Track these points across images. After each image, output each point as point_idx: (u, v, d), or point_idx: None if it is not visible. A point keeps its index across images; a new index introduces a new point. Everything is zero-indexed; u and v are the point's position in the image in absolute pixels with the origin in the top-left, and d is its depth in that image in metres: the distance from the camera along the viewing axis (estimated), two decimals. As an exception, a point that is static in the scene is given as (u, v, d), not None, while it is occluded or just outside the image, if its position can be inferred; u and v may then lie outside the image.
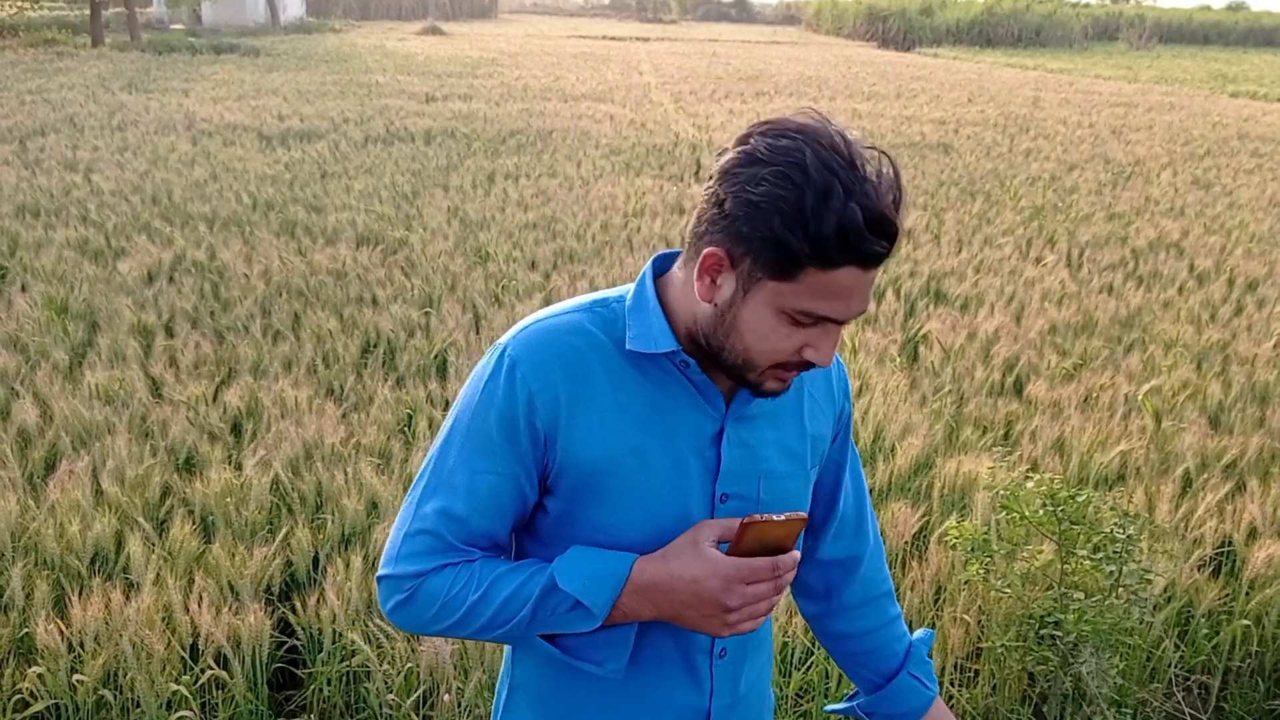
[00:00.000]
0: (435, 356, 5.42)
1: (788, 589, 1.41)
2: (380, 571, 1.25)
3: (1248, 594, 3.73)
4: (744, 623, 1.17)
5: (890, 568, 2.79)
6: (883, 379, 5.19)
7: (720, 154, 1.16)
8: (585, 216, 8.96)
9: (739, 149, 1.13)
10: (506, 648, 1.43)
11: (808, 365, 1.19)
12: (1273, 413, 5.04)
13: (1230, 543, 3.99)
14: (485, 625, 1.21)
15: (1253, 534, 3.96)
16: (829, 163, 1.07)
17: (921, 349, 5.98)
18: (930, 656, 1.57)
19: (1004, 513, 3.48)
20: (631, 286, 1.29)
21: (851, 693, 1.62)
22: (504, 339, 1.26)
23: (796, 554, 1.19)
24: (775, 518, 1.14)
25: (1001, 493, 3.45)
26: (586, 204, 9.50)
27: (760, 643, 1.45)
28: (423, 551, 1.22)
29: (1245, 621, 3.70)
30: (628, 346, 1.22)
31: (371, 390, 4.83)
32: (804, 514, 1.17)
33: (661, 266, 1.30)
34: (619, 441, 1.22)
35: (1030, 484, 3.31)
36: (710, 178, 1.16)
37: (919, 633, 1.58)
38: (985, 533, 3.52)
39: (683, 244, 1.25)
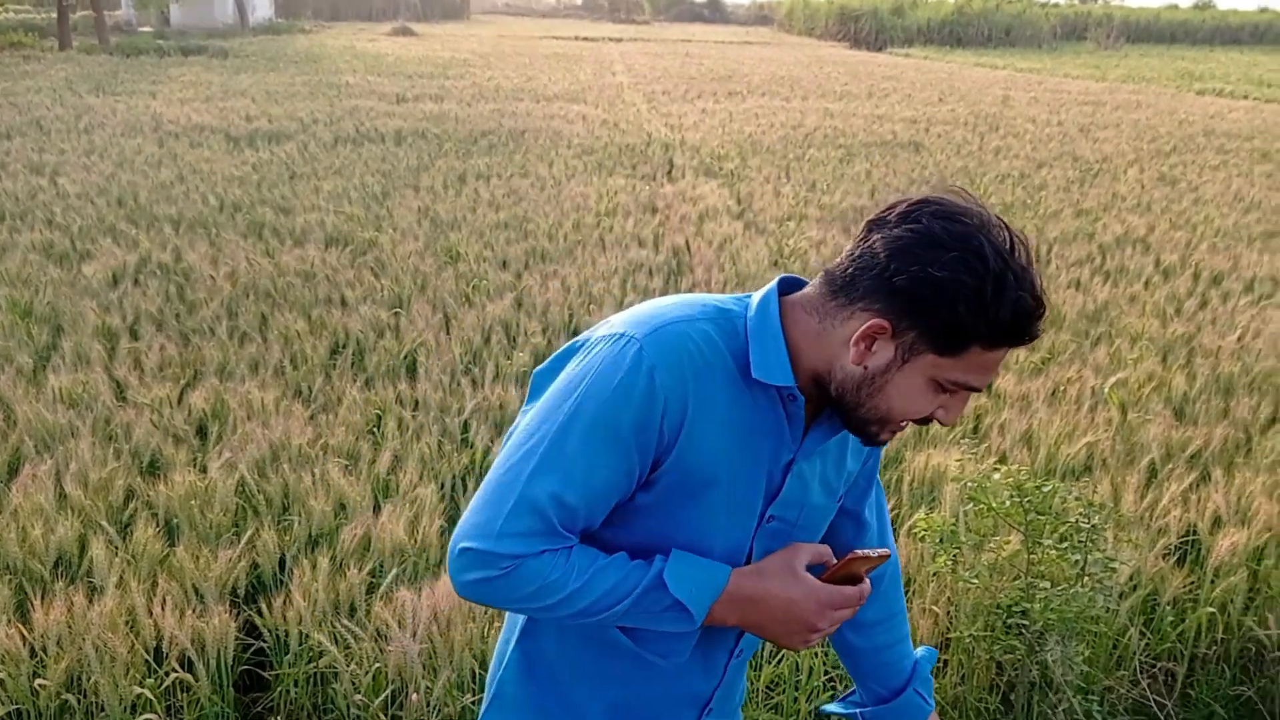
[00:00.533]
0: (405, 357, 5.40)
1: None
2: (468, 543, 1.21)
3: (1212, 582, 3.77)
4: (815, 641, 1.29)
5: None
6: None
7: (880, 222, 1.22)
8: (557, 216, 8.95)
9: (910, 227, 1.19)
10: (517, 618, 1.45)
11: (928, 422, 1.28)
12: (1236, 404, 5.10)
13: (1195, 532, 4.02)
14: (579, 611, 1.24)
15: (1217, 523, 4.00)
16: (1001, 252, 1.16)
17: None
18: (932, 674, 1.65)
19: (972, 504, 3.50)
20: (752, 299, 1.32)
21: (847, 693, 1.68)
22: (630, 330, 1.25)
23: (869, 585, 1.31)
24: (870, 554, 1.27)
25: (969, 485, 3.47)
26: (559, 203, 9.49)
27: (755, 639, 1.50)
28: (529, 533, 1.20)
29: (1210, 609, 3.73)
30: (754, 374, 1.25)
31: (340, 391, 4.80)
32: (888, 551, 1.31)
33: (784, 289, 1.33)
34: (724, 456, 1.27)
35: (997, 476, 3.33)
36: (861, 240, 1.24)
37: (921, 650, 1.66)
38: (953, 524, 3.54)
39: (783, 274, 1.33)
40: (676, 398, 1.21)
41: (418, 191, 9.97)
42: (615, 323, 1.29)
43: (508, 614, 1.47)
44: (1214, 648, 3.83)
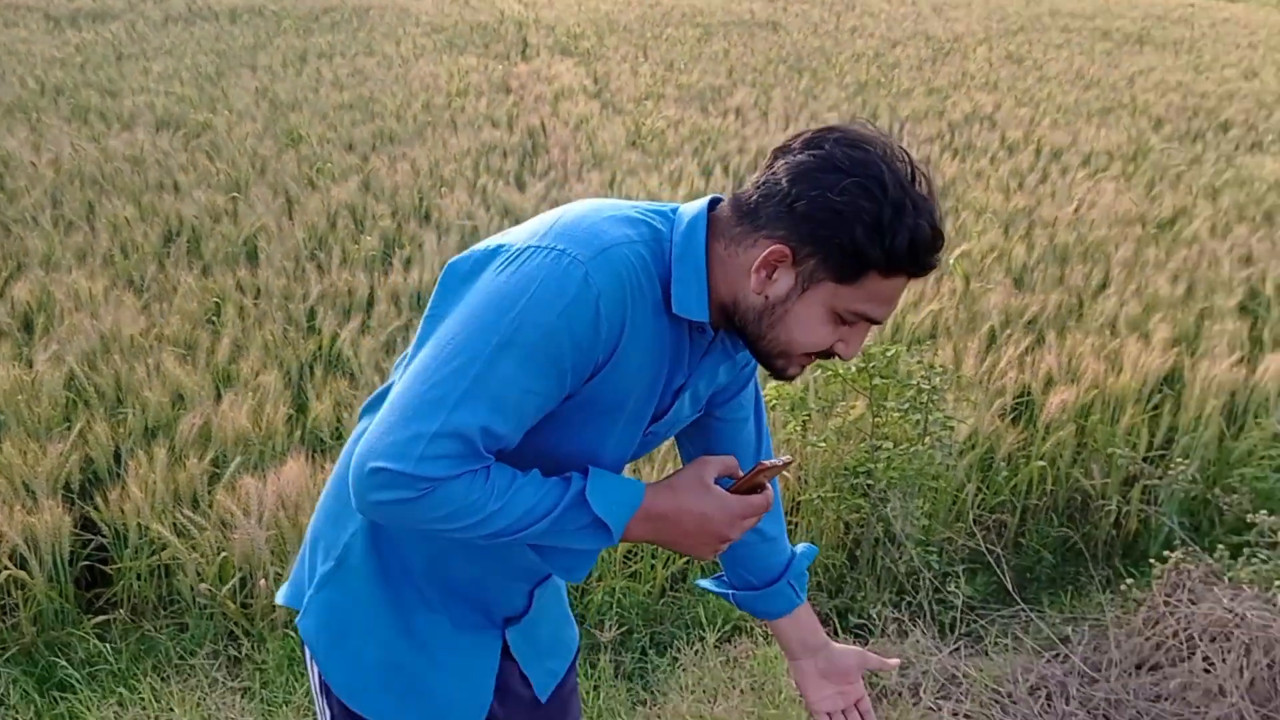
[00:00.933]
0: (244, 243, 5.16)
1: None
2: (383, 463, 1.13)
3: (1044, 438, 3.97)
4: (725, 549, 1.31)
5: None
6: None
7: (785, 149, 1.20)
8: (405, 96, 8.61)
9: (813, 152, 1.17)
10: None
11: (830, 356, 1.26)
12: (1071, 271, 5.33)
13: (1029, 392, 4.22)
14: (494, 532, 1.19)
15: (1049, 383, 4.20)
16: (902, 180, 1.16)
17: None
18: (809, 571, 1.67)
19: (820, 372, 3.59)
20: (680, 217, 1.26)
21: (720, 573, 1.69)
22: (571, 249, 1.17)
23: (771, 492, 1.32)
24: (775, 463, 1.30)
25: (816, 351, 3.54)
26: (407, 84, 9.14)
27: None
28: (451, 456, 1.14)
29: (1041, 463, 3.95)
30: (674, 310, 1.23)
31: (175, 280, 4.57)
32: (791, 459, 1.35)
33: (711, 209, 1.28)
34: (637, 382, 1.26)
35: (842, 340, 3.40)
36: (767, 168, 1.21)
37: (802, 547, 1.66)
38: (802, 393, 3.62)
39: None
40: (616, 325, 1.18)
41: (255, 72, 9.46)
42: (545, 232, 1.20)
43: (341, 459, 1.42)
44: (1044, 499, 4.07)
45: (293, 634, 2.85)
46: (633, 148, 7.48)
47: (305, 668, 2.72)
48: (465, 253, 1.27)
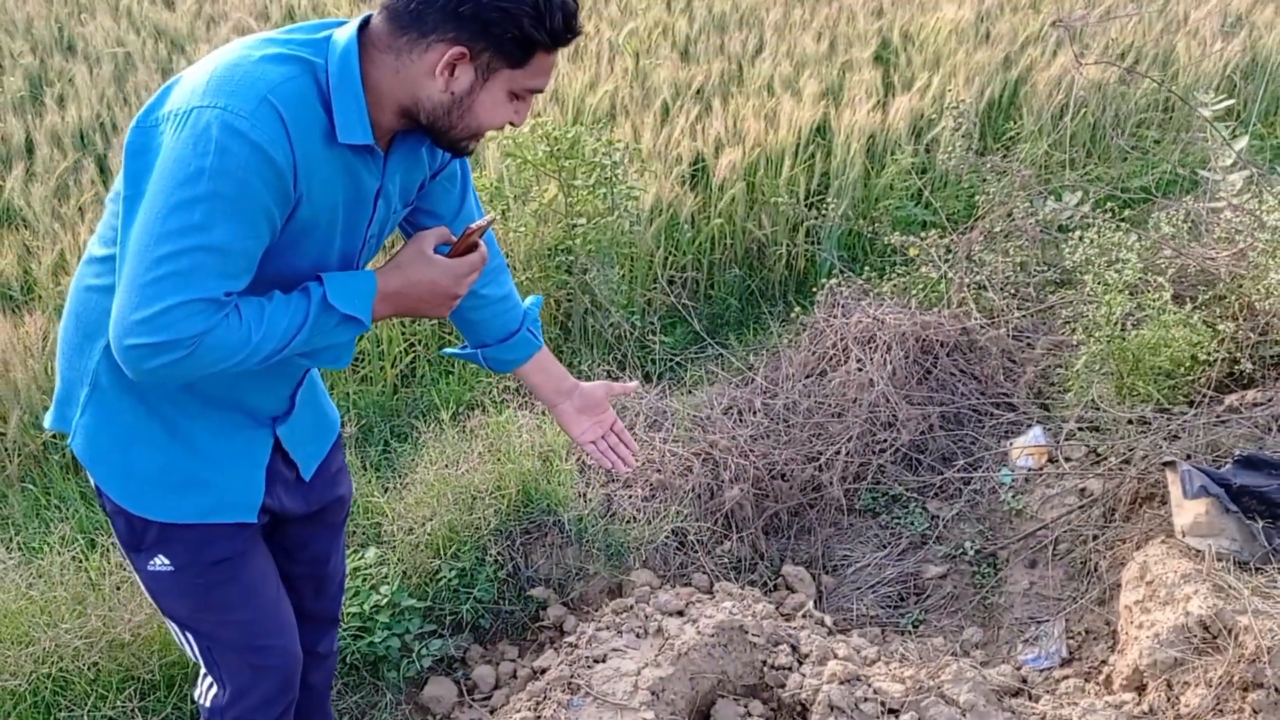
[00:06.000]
0: None
1: None
2: (140, 339, 1.27)
3: (719, 198, 4.41)
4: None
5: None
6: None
7: None
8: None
9: None
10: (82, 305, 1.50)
11: (502, 128, 1.48)
12: (729, 40, 5.71)
13: (702, 157, 4.61)
14: (266, 356, 1.37)
15: (719, 146, 4.60)
16: None
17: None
18: (540, 311, 1.90)
19: (510, 160, 3.80)
20: (333, 44, 1.38)
21: (463, 344, 1.89)
22: (234, 105, 1.29)
23: (485, 248, 1.53)
24: (481, 223, 1.51)
25: (504, 143, 3.74)
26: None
27: None
28: (201, 314, 1.29)
29: (719, 220, 4.40)
30: (339, 139, 1.37)
31: None
32: (493, 216, 1.58)
33: (363, 26, 1.40)
34: (333, 200, 1.43)
35: (527, 130, 3.62)
36: None
37: (530, 299, 1.87)
38: (498, 182, 3.83)
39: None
40: (290, 161, 1.33)
41: None
42: (204, 89, 1.30)
43: (72, 297, 1.53)
44: (725, 252, 4.55)
45: (33, 485, 2.90)
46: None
47: (51, 511, 2.79)
48: (133, 125, 1.37)
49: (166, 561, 1.59)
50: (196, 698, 1.79)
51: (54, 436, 2.96)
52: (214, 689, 1.73)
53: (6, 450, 2.86)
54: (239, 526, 1.62)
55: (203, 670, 1.73)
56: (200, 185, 1.27)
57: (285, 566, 1.78)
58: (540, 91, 1.47)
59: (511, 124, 1.48)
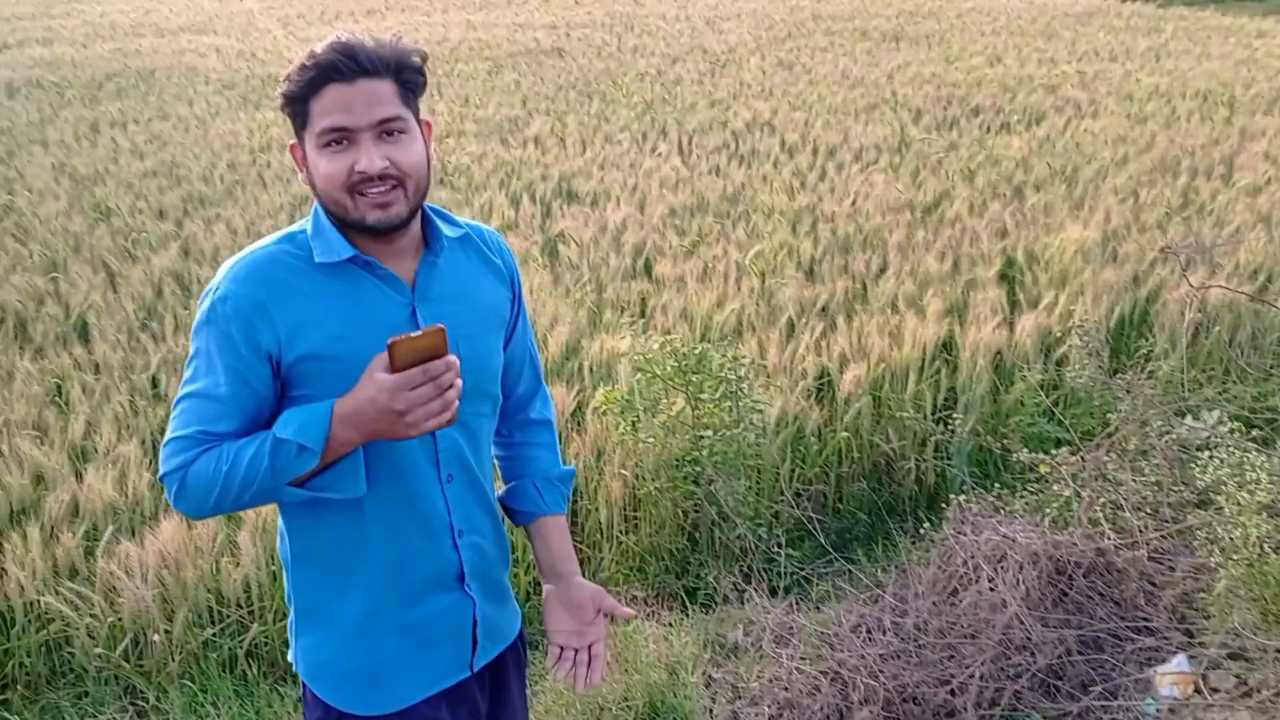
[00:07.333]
0: (73, 321, 5.20)
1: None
2: (159, 476, 1.54)
3: (844, 412, 4.50)
4: (424, 421, 1.45)
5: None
6: (528, 279, 5.58)
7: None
8: (209, 157, 8.61)
9: None
10: (281, 531, 1.67)
11: (369, 180, 1.48)
12: (853, 260, 5.93)
13: (827, 372, 4.74)
14: (241, 486, 1.48)
15: (844, 362, 4.73)
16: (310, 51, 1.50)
17: (560, 246, 6.42)
18: (562, 482, 1.85)
19: (640, 375, 4.00)
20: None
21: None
22: (219, 276, 1.54)
23: (451, 358, 1.45)
24: (414, 334, 1.41)
25: (635, 358, 3.95)
26: (208, 144, 9.11)
27: (486, 506, 1.73)
28: (183, 451, 1.50)
29: (845, 434, 4.47)
30: (316, 259, 1.53)
31: (8, 365, 4.60)
32: (441, 325, 1.44)
33: None
34: (325, 334, 1.52)
35: (657, 347, 3.82)
36: None
37: (567, 468, 1.88)
38: (629, 396, 4.02)
39: None
40: (260, 303, 1.49)
41: (47, 147, 9.21)
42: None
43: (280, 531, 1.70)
44: (852, 466, 4.59)
45: (190, 682, 3.06)
46: (441, 185, 7.76)
47: (207, 708, 2.94)
48: None
49: None
50: None
51: (214, 632, 3.14)
52: None
53: (172, 646, 3.03)
54: None
55: None
56: (192, 348, 1.54)
57: None
58: (338, 129, 1.48)
59: (363, 171, 1.47)
